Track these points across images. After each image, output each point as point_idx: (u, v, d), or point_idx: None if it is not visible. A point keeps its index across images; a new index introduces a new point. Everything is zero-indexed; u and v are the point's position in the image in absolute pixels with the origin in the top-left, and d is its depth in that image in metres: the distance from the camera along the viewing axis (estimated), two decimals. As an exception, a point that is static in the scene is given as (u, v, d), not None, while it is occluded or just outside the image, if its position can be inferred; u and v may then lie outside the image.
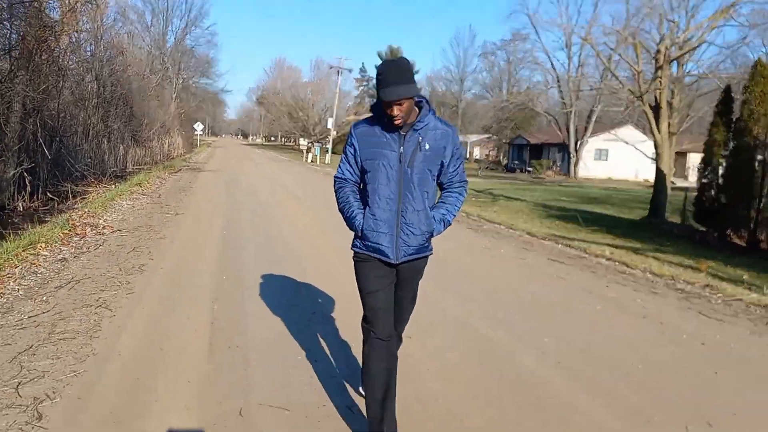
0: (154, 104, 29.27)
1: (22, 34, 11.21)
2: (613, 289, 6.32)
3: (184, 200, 12.15)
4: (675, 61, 15.28)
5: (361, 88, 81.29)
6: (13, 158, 10.97)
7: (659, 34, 14.54)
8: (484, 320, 4.83)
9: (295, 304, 4.98)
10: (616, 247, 9.79)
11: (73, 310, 4.48)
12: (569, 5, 23.95)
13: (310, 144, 44.47)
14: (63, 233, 7.43)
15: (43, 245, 6.71)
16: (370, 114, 2.71)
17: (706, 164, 12.39)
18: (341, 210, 2.76)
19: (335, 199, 2.77)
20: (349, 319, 4.31)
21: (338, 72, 45.84)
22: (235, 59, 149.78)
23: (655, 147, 14.98)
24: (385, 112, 2.53)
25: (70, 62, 15.15)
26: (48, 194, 12.22)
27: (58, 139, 13.57)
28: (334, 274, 6.07)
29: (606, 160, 39.25)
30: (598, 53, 16.63)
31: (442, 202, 2.79)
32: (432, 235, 2.73)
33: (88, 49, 18.43)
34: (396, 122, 2.52)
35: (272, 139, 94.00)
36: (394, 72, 2.49)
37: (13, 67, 11.03)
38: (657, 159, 15.01)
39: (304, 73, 69.42)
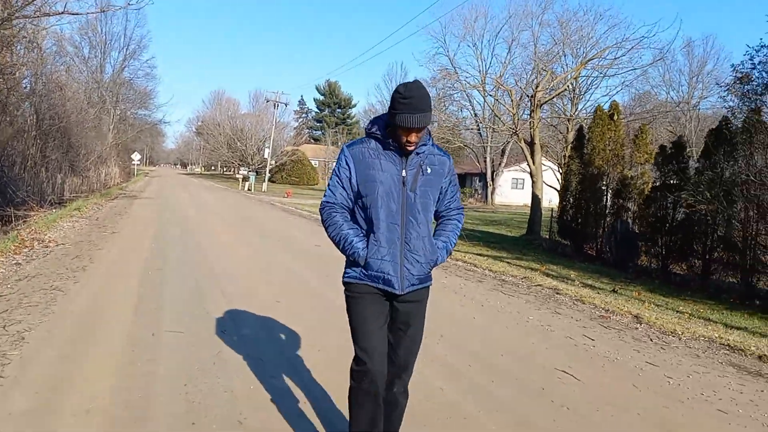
0: (91, 135, 30.23)
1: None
2: (450, 279, 8.49)
3: (120, 222, 13.70)
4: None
5: (300, 119, 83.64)
6: (-40, 185, 12.30)
7: (537, 82, 17.29)
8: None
9: (201, 291, 6.86)
10: (483, 255, 12.07)
11: (33, 292, 6.16)
12: (483, 50, 26.75)
13: (247, 173, 45.89)
14: (14, 245, 8.97)
15: (-1, 254, 8.28)
16: (375, 132, 2.54)
17: (565, 189, 15.03)
18: (334, 238, 2.56)
19: (324, 226, 2.59)
20: (234, 292, 6.22)
21: (275, 105, 47.75)
22: (174, 90, 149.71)
23: (531, 176, 17.67)
24: (401, 136, 2.44)
25: (11, 98, 16.50)
26: (-9, 218, 13.48)
27: (-1, 168, 14.87)
28: (234, 269, 7.97)
29: (522, 188, 42.53)
30: (485, 98, 19.38)
31: (441, 229, 2.69)
32: (436, 264, 2.60)
33: (27, 84, 19.72)
34: (409, 149, 2.45)
35: (212, 168, 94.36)
36: (423, 98, 2.40)
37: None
38: (533, 185, 17.68)
39: (242, 104, 70.75)
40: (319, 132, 79.77)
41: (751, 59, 10.01)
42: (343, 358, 3.22)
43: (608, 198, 13.87)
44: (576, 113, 25.48)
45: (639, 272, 12.11)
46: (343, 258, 2.61)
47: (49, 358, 4.08)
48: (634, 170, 13.54)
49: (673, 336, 5.96)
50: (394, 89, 2.48)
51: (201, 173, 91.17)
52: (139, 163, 49.58)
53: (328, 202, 2.58)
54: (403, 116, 2.37)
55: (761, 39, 15.32)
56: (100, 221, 13.67)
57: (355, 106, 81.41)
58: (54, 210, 15.80)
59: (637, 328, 6.21)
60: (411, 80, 2.53)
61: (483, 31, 27.83)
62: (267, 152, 46.36)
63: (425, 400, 3.66)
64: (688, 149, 12.57)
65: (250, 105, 65.40)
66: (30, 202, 16.26)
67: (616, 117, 13.67)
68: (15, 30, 14.85)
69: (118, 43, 44.71)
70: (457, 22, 29.93)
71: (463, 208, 2.80)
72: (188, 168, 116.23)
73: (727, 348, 5.61)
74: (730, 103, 10.75)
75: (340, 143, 63.00)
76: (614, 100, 15.17)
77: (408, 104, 2.37)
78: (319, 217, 2.65)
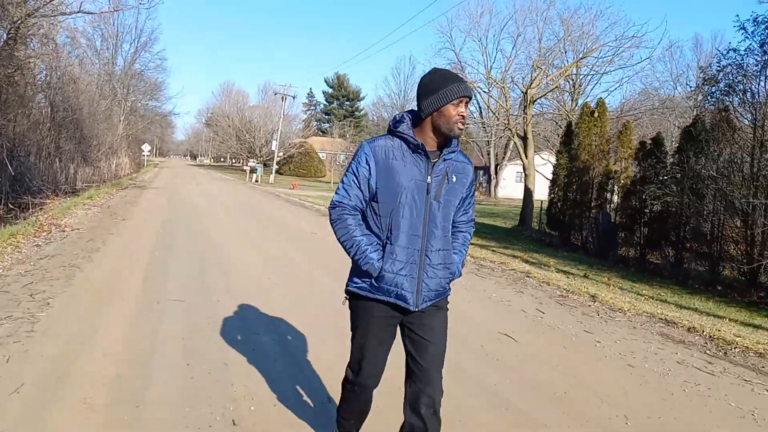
0: (103, 126, 31.16)
1: (-7, 71, 13.50)
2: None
3: (130, 210, 14.56)
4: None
5: (309, 111, 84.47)
6: (-18, 174, 13.20)
7: (530, 78, 17.94)
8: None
9: (203, 268, 7.67)
10: (471, 244, 12.80)
11: (54, 268, 6.98)
12: (488, 45, 27.11)
13: (254, 165, 46.77)
14: (34, 229, 9.83)
15: (21, 237, 9.12)
16: (393, 130, 2.34)
17: (554, 183, 15.71)
18: (345, 243, 2.34)
19: (333, 227, 2.38)
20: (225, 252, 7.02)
21: (283, 98, 48.54)
22: (184, 81, 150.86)
23: (524, 169, 18.35)
24: (450, 116, 2.25)
25: (28, 91, 17.37)
26: (9, 205, 14.39)
27: (16, 158, 15.76)
28: (233, 250, 8.78)
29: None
30: (480, 93, 20.08)
31: (453, 241, 2.47)
32: (454, 278, 2.44)
33: (42, 77, 20.61)
34: (460, 128, 2.27)
35: (221, 159, 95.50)
36: (457, 75, 2.30)
37: (-16, 99, 13.31)
38: (525, 179, 18.37)
39: (251, 97, 71.78)
40: (328, 124, 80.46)
41: (718, 62, 10.62)
42: (306, 307, 3.95)
43: (593, 191, 14.55)
44: (575, 108, 26.02)
45: (617, 261, 12.82)
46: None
47: (71, 318, 4.89)
48: (618, 165, 14.20)
49: (620, 312, 6.69)
50: (418, 83, 2.36)
51: (210, 165, 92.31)
52: (149, 154, 50.66)
53: (340, 202, 2.34)
54: (455, 86, 2.23)
55: (729, 43, 15.98)
56: (112, 209, 14.53)
57: (363, 98, 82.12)
58: (68, 198, 16.69)
59: (590, 306, 6.95)
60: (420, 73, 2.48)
61: (488, 27, 28.32)
62: (275, 144, 47.19)
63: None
64: (666, 145, 13.18)
65: (259, 97, 66.19)
66: (45, 190, 17.18)
67: (597, 114, 14.33)
68: (33, 28, 15.69)
69: (130, 35, 45.52)
70: (463, 18, 30.36)
71: (474, 220, 2.62)
72: (197, 159, 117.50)
73: (664, 322, 6.35)
74: (704, 103, 11.32)
75: (347, 136, 63.79)
76: (600, 98, 15.79)
77: (451, 76, 2.29)
78: (328, 215, 2.43)
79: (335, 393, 3.58)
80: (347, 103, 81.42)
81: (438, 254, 2.33)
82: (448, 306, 2.48)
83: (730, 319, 7.50)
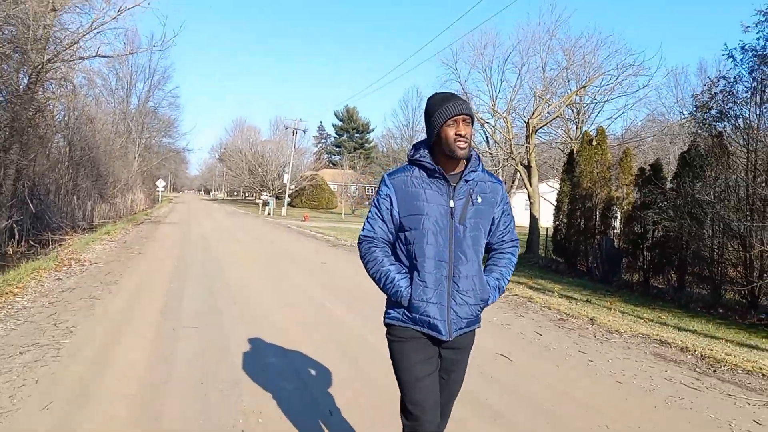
0: (118, 164, 32.03)
1: (16, 114, 14.20)
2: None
3: (146, 245, 15.02)
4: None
5: (320, 144, 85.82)
6: (5, 212, 13.77)
7: (533, 108, 18.41)
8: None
9: (216, 298, 8.03)
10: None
11: (75, 300, 7.37)
12: (492, 75, 27.52)
13: (267, 198, 47.49)
14: (55, 264, 10.27)
15: (43, 271, 9.56)
16: (414, 161, 2.36)
17: (558, 209, 16.00)
18: (374, 275, 2.35)
19: (363, 262, 2.40)
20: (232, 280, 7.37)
21: (294, 132, 49.51)
22: (198, 118, 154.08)
23: (528, 197, 18.67)
24: (448, 137, 2.23)
25: (48, 132, 18.12)
26: (30, 242, 14.93)
27: (36, 196, 16.38)
28: (244, 280, 9.14)
29: (535, 209, 43.46)
30: (483, 126, 20.55)
31: (493, 264, 2.46)
32: (486, 305, 2.39)
33: (60, 118, 21.45)
34: (462, 148, 2.22)
35: (234, 194, 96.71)
36: (453, 95, 2.30)
37: (7, 142, 13.97)
38: (530, 206, 18.67)
39: (263, 131, 73.22)
40: (338, 156, 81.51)
41: (709, 89, 10.96)
42: (313, 332, 4.25)
43: (597, 217, 14.82)
44: (579, 136, 26.41)
45: (621, 285, 13.00)
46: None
47: (93, 344, 5.25)
48: (620, 191, 14.49)
49: (617, 334, 6.92)
50: (424, 109, 2.37)
51: (223, 199, 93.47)
52: (163, 189, 51.63)
53: (366, 236, 2.38)
54: (446, 106, 2.22)
55: (719, 71, 16.39)
56: (128, 244, 15.00)
57: (373, 131, 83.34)
58: (86, 234, 17.23)
59: (587, 328, 7.19)
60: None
61: (492, 58, 28.98)
62: (286, 177, 47.95)
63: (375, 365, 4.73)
64: (666, 170, 13.46)
65: (271, 132, 67.56)
66: (64, 227, 17.76)
67: (596, 142, 14.70)
68: (52, 72, 16.48)
69: (143, 74, 46.97)
70: (467, 50, 30.95)
71: (518, 240, 2.54)
72: (211, 194, 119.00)
73: (658, 342, 6.57)
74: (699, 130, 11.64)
75: (357, 167, 64.51)
76: (600, 126, 16.18)
77: (445, 97, 2.28)
78: (358, 251, 2.44)
79: (338, 405, 3.90)
80: (357, 135, 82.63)
81: (467, 281, 2.27)
82: (473, 343, 2.47)
83: (726, 340, 7.69)
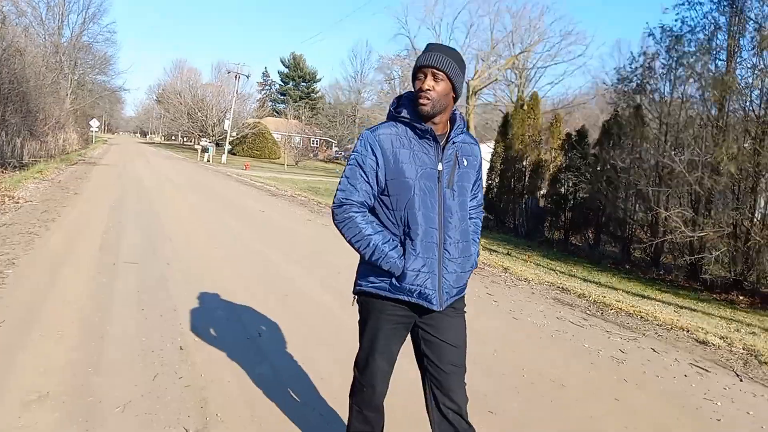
0: (50, 100, 30.61)
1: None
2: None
3: (81, 185, 14.86)
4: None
5: (264, 91, 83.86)
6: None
7: (475, 70, 18.95)
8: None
9: (153, 238, 8.32)
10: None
11: (13, 235, 7.49)
12: (441, 33, 27.68)
13: (206, 144, 46.58)
14: (-13, 201, 10.19)
15: (-25, 207, 9.51)
16: (393, 116, 2.16)
17: (491, 170, 16.82)
18: (358, 245, 2.11)
19: (339, 229, 2.16)
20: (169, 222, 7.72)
21: (236, 77, 48.32)
22: (135, 57, 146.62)
23: (465, 156, 19.40)
24: (414, 90, 2.09)
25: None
26: (-44, 177, 14.47)
27: (-37, 130, 15.75)
28: (179, 224, 9.43)
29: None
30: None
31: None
32: (471, 271, 2.27)
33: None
34: (422, 104, 2.05)
35: (172, 138, 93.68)
36: (443, 46, 2.11)
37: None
38: (466, 165, 19.43)
39: (204, 75, 70.96)
40: (283, 105, 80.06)
41: (631, 63, 11.81)
42: (244, 267, 4.72)
43: (526, 178, 15.73)
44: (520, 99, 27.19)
45: (543, 242, 14.05)
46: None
47: (36, 274, 5.54)
48: (548, 155, 15.39)
49: (525, 281, 7.73)
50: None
51: (160, 143, 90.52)
52: (97, 130, 49.67)
53: (347, 200, 2.12)
54: (418, 57, 2.07)
55: (641, 47, 17.50)
56: (63, 184, 14.80)
57: (320, 80, 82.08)
58: (16, 172, 16.76)
59: (500, 276, 7.97)
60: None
61: (442, 15, 29.15)
62: (227, 123, 47.02)
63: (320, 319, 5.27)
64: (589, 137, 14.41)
65: (212, 76, 65.48)
66: (-7, 164, 17.18)
67: (527, 107, 15.48)
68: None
69: (77, 5, 44.39)
70: (418, 6, 30.95)
71: (483, 204, 2.45)
72: (148, 137, 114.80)
73: (560, 289, 7.41)
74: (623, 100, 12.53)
75: (303, 118, 63.82)
76: (535, 91, 17.00)
77: (427, 47, 2.11)
78: (331, 218, 2.19)
79: (264, 327, 4.43)
80: (303, 84, 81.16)
81: (457, 246, 2.14)
82: (465, 309, 2.30)
83: (624, 291, 8.68)
